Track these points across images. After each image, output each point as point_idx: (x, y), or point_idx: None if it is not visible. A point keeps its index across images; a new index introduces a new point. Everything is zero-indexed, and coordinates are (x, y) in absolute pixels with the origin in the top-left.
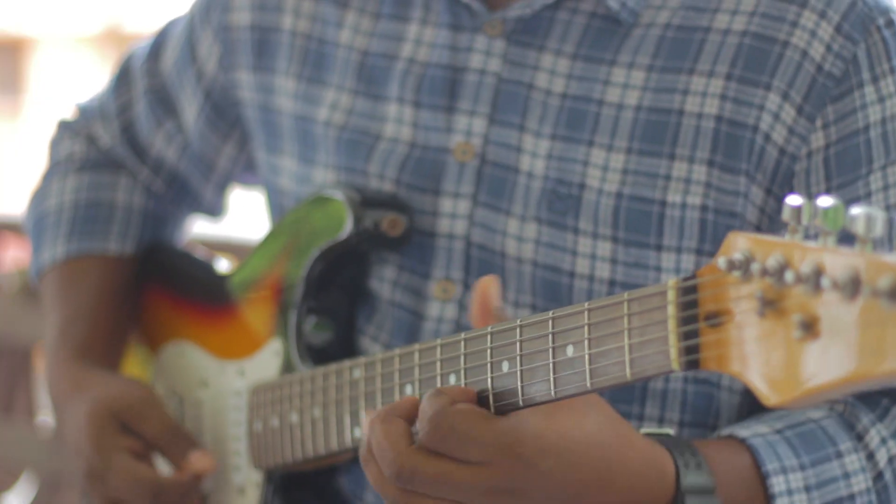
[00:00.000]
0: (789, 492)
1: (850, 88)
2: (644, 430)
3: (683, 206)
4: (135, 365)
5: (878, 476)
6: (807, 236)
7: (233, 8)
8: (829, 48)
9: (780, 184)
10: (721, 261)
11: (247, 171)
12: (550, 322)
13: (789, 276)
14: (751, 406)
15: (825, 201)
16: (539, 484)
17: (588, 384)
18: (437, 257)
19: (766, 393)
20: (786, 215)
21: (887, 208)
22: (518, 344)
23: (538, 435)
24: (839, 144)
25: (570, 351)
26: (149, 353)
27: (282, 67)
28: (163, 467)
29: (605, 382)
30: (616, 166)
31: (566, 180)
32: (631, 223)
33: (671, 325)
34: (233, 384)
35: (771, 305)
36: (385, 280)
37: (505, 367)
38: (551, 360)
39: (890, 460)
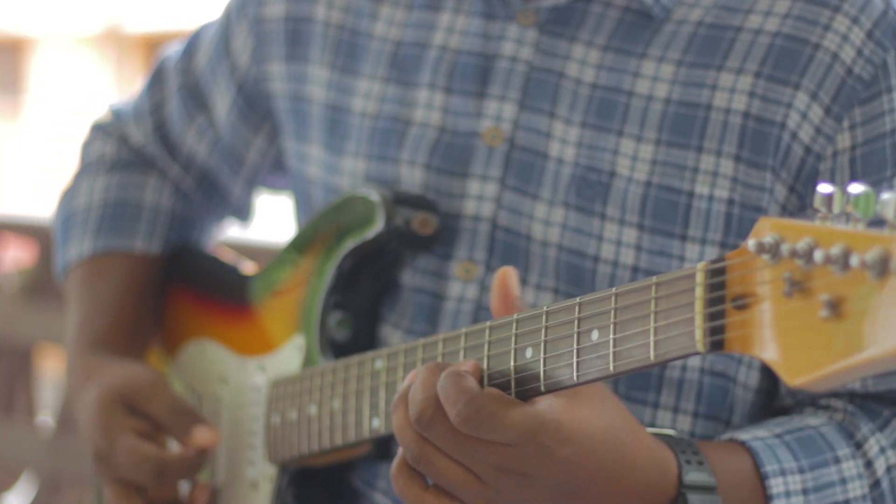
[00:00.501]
0: (787, 494)
1: (879, 92)
2: (649, 430)
3: (711, 198)
4: (155, 364)
5: (875, 484)
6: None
7: (268, 0)
8: (859, 52)
9: (804, 182)
10: (751, 243)
11: (274, 173)
12: (577, 307)
13: (818, 255)
14: (764, 405)
15: (856, 188)
16: (552, 471)
17: (611, 368)
18: (461, 238)
19: (788, 373)
20: (817, 203)
21: None
22: (543, 330)
23: (559, 424)
24: (865, 146)
25: (595, 336)
26: (167, 355)
27: (315, 57)
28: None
29: (628, 366)
30: (645, 157)
31: (596, 167)
32: (658, 212)
33: (698, 306)
34: (253, 380)
35: (798, 286)
36: (406, 266)
37: (529, 353)
38: (575, 345)
39: (888, 469)
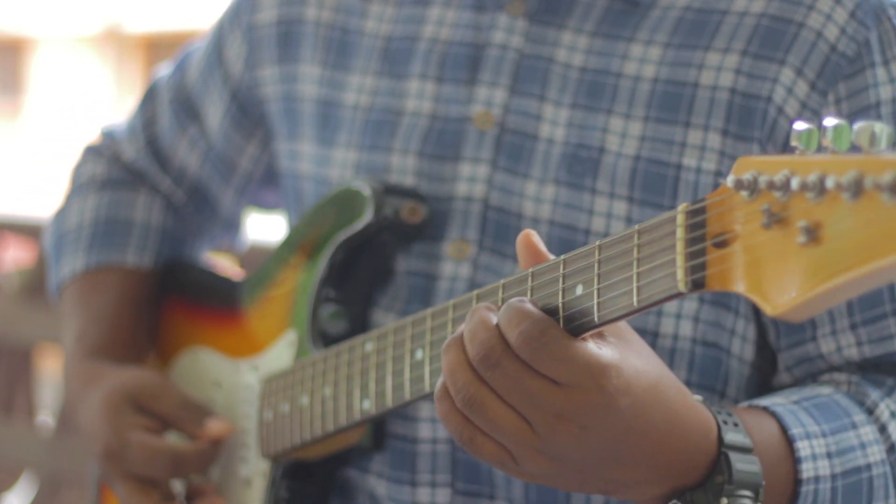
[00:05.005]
0: (814, 457)
1: (862, 68)
2: None
3: (698, 170)
4: None
5: (892, 448)
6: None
7: (260, 7)
8: (843, 31)
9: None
10: (730, 180)
11: (265, 187)
12: (561, 264)
13: (795, 182)
14: (761, 383)
15: (831, 121)
16: (610, 422)
17: (595, 319)
18: (452, 219)
19: (769, 303)
20: (794, 139)
21: None
22: (530, 290)
23: (619, 371)
24: (850, 119)
25: (579, 290)
26: (162, 368)
27: (306, 56)
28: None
29: (612, 314)
30: (634, 133)
31: (586, 144)
32: (647, 184)
33: (679, 247)
34: (245, 380)
35: (776, 217)
36: (397, 255)
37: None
38: (560, 300)
39: None
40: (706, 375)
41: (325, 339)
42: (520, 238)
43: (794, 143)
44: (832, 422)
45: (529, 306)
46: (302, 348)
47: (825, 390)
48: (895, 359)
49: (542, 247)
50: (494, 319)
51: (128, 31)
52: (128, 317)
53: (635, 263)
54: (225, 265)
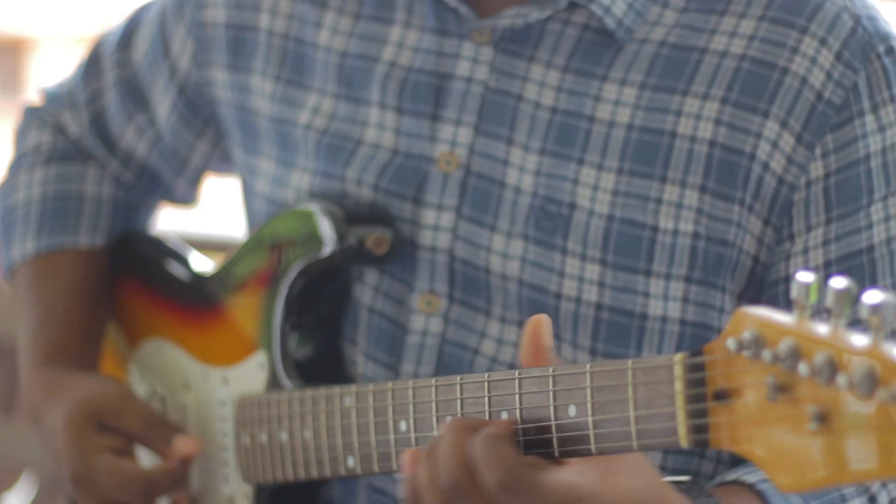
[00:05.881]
0: None
1: (851, 117)
2: (665, 478)
3: (675, 232)
4: (113, 360)
5: None
6: (815, 312)
7: (207, 4)
8: (829, 76)
9: (779, 213)
10: (730, 342)
11: (221, 163)
12: (551, 380)
13: (803, 368)
14: None
15: (838, 283)
16: None
17: (593, 449)
18: (420, 269)
19: (779, 478)
20: (794, 293)
21: (889, 240)
22: (517, 397)
23: (597, 494)
24: (839, 174)
25: (572, 411)
26: (127, 347)
27: (258, 67)
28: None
29: (610, 449)
30: (606, 186)
31: (556, 198)
32: (621, 247)
33: (679, 401)
34: (217, 392)
35: (783, 392)
36: (366, 285)
37: (503, 416)
38: (553, 420)
39: (891, 502)
40: None
41: (297, 366)
42: (529, 326)
43: (793, 296)
44: (820, 497)
45: (505, 448)
46: (273, 374)
47: None
48: None
49: (549, 341)
50: (465, 440)
51: None
52: (83, 308)
53: (632, 404)
54: (178, 242)
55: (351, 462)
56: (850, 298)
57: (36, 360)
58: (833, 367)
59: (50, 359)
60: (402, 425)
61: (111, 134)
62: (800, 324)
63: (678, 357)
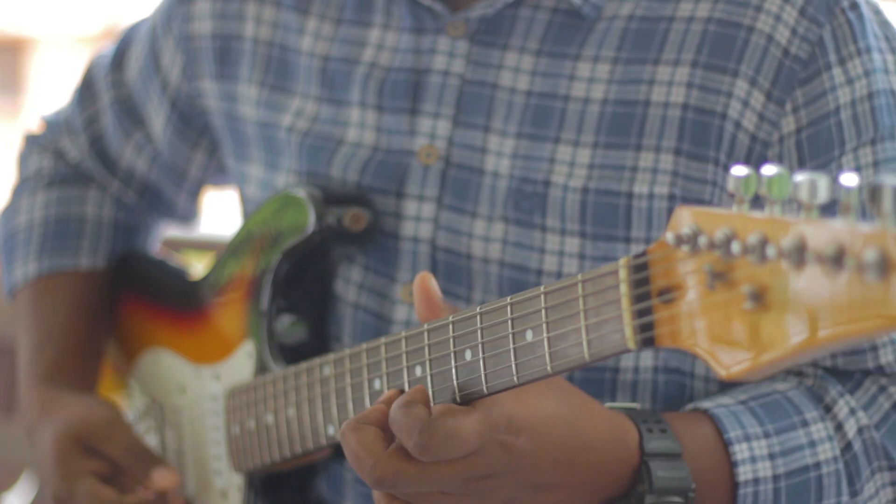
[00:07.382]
0: (752, 459)
1: (818, 71)
2: (609, 404)
3: (651, 196)
4: (112, 380)
5: (847, 446)
6: (754, 207)
7: (194, 17)
8: (794, 31)
9: None
10: (669, 236)
11: (219, 174)
12: (509, 308)
13: (736, 247)
14: (727, 388)
15: (769, 170)
16: (514, 464)
17: (549, 368)
18: (402, 260)
19: (719, 366)
20: (731, 186)
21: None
22: (479, 332)
23: (509, 416)
24: (811, 128)
25: (529, 335)
26: (127, 364)
27: (244, 75)
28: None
29: (565, 365)
30: (583, 161)
31: (531, 178)
32: (598, 217)
33: (624, 303)
34: (209, 389)
35: (720, 278)
36: (350, 282)
37: (468, 355)
38: (512, 345)
39: (860, 430)
40: (670, 402)
41: (284, 350)
42: (417, 281)
43: (730, 189)
44: (779, 421)
45: (416, 410)
46: (261, 361)
47: (782, 386)
48: (866, 368)
49: (438, 293)
50: (368, 436)
51: None
52: (81, 329)
53: (582, 315)
54: (180, 260)
55: (331, 430)
56: (783, 182)
57: (34, 379)
58: (764, 244)
59: (47, 377)
60: (377, 383)
61: (111, 155)
62: (736, 212)
63: (623, 261)
